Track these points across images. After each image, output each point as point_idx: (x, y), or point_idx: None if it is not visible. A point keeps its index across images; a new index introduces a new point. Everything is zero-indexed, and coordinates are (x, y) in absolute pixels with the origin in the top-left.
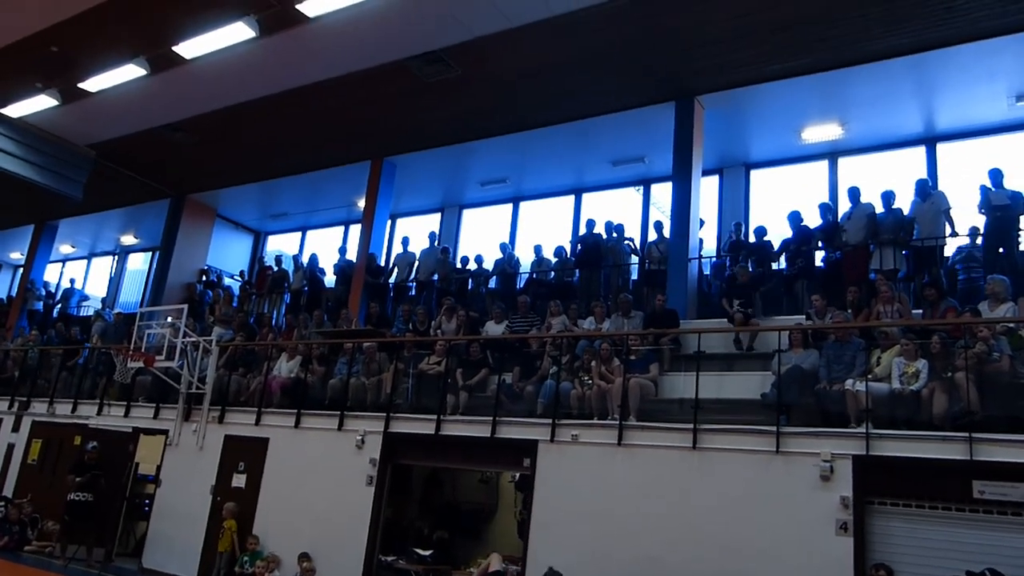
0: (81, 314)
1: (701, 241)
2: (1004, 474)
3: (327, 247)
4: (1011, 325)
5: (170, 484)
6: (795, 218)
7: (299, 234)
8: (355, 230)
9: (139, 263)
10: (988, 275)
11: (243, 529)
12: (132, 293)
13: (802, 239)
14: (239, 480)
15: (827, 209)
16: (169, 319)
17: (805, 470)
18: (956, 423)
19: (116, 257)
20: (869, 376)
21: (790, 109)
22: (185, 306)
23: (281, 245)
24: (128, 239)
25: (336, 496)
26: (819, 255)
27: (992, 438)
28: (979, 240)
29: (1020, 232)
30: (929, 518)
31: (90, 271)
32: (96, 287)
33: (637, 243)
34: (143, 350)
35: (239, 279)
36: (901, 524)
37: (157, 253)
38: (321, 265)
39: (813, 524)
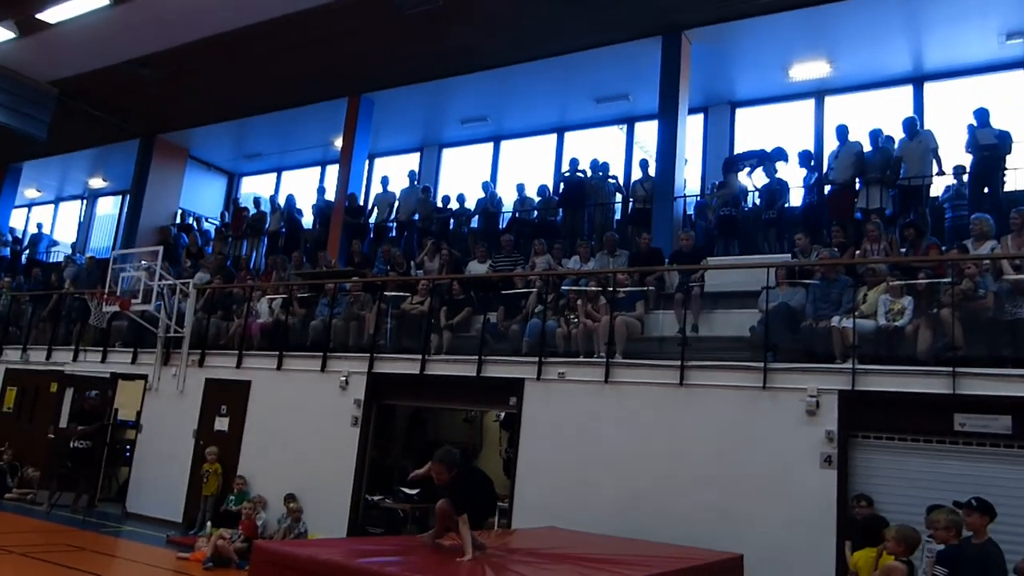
0: (51, 260)
1: (685, 181)
2: (985, 407)
3: (304, 188)
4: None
5: (151, 429)
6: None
7: (274, 175)
8: (332, 170)
9: (109, 207)
10: (973, 214)
11: (228, 471)
12: (103, 238)
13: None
14: (222, 423)
15: (807, 157)
16: (143, 263)
17: (791, 405)
18: (940, 358)
19: (85, 201)
20: (856, 313)
21: (778, 46)
22: (160, 248)
23: (256, 187)
24: (97, 182)
25: (321, 437)
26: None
27: (974, 372)
28: (965, 179)
29: (1006, 171)
30: (911, 450)
31: (58, 216)
32: (65, 233)
33: (621, 182)
34: (118, 294)
35: (214, 223)
36: (884, 456)
37: (127, 196)
38: (299, 206)
39: (798, 457)
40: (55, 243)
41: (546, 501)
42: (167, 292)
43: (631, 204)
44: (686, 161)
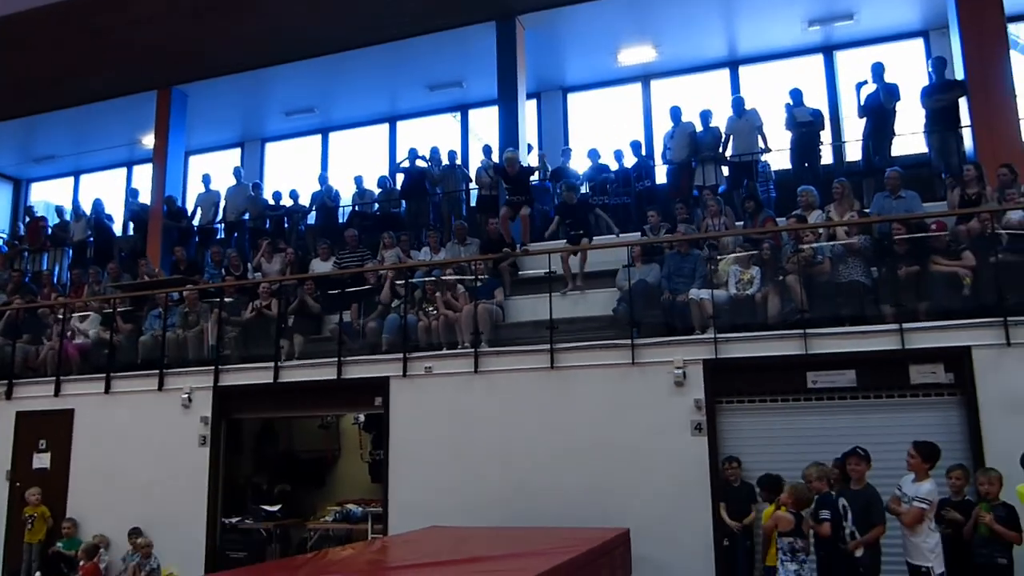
0: None
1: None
2: (832, 364)
3: (108, 192)
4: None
5: None
6: (593, 155)
7: (71, 179)
8: (141, 171)
9: None
10: (797, 187)
11: (55, 514)
12: None
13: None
14: (42, 460)
15: (638, 147)
16: None
17: (660, 378)
18: (789, 322)
19: None
20: (710, 284)
21: (606, 31)
22: None
23: (49, 193)
24: None
25: (165, 462)
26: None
27: (821, 332)
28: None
29: (821, 146)
30: (772, 410)
31: None
32: None
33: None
34: None
35: (2, 238)
36: (748, 419)
37: None
38: (107, 212)
39: (671, 428)
40: None
41: (425, 501)
42: None
43: (476, 191)
44: (530, 147)
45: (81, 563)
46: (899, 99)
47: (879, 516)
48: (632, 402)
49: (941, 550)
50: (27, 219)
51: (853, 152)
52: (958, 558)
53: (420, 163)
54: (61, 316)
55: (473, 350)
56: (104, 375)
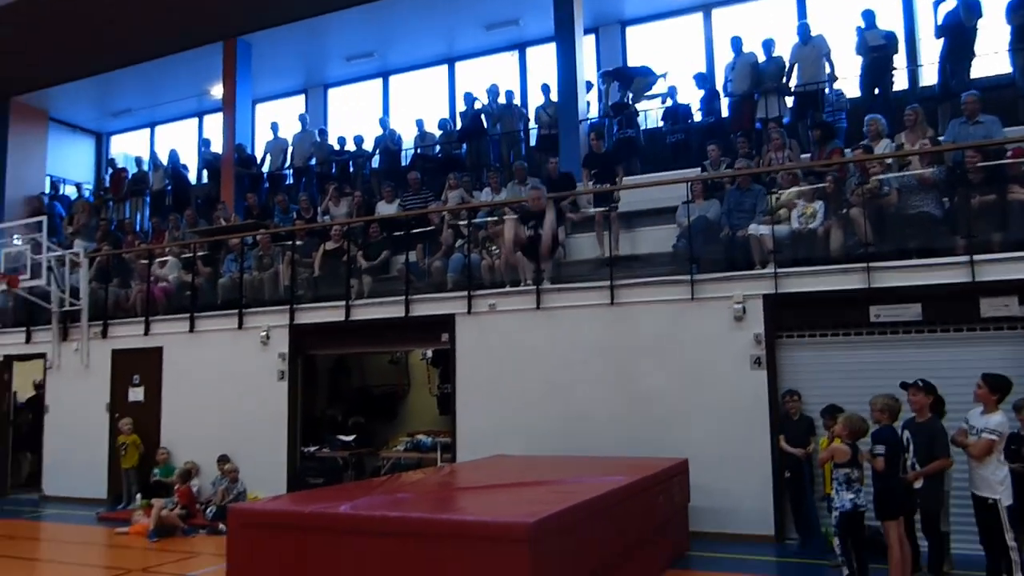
0: None
1: (588, 104)
2: (896, 298)
3: (182, 142)
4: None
5: (59, 408)
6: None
7: (147, 131)
8: (211, 120)
9: None
10: (866, 115)
11: (149, 442)
12: None
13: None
14: (136, 394)
15: (701, 79)
16: (17, 238)
17: (719, 313)
18: (852, 255)
19: None
20: (771, 219)
21: None
22: (44, 218)
23: (127, 145)
24: None
25: (247, 396)
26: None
27: (885, 266)
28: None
29: (894, 71)
30: (832, 344)
31: None
32: None
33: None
34: (2, 271)
35: (89, 189)
36: (808, 352)
37: None
38: (183, 161)
39: (730, 362)
40: None
41: (490, 431)
42: (55, 264)
43: (536, 131)
44: (589, 84)
45: (176, 486)
46: (981, 16)
47: (943, 450)
48: (691, 337)
49: (1010, 483)
50: (110, 171)
51: (930, 76)
52: None
53: (478, 106)
54: (146, 261)
55: (535, 287)
56: (188, 315)
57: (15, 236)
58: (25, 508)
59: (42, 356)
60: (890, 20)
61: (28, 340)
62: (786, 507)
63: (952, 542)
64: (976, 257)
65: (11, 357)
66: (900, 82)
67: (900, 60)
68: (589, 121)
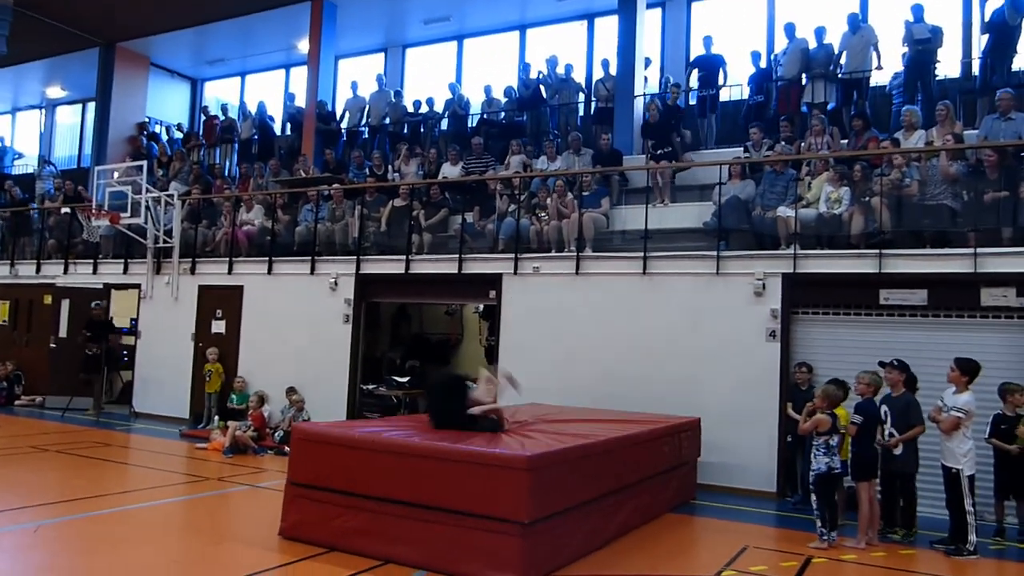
0: (16, 172)
1: (646, 79)
2: (905, 283)
3: (268, 92)
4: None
5: (150, 335)
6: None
7: (238, 80)
8: (296, 73)
9: (69, 117)
10: (905, 105)
11: (228, 371)
12: (66, 147)
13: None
14: (218, 326)
15: (758, 57)
16: (116, 175)
17: (741, 288)
18: (869, 241)
19: (43, 111)
20: (802, 203)
21: None
22: (144, 163)
23: (220, 92)
24: (55, 91)
25: (315, 335)
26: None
27: (897, 253)
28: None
29: (937, 64)
30: (843, 322)
31: (16, 127)
32: (24, 143)
33: (583, 80)
34: (106, 208)
35: (181, 131)
36: (820, 328)
37: (87, 105)
38: (270, 113)
39: (747, 333)
40: (20, 155)
41: (529, 382)
42: (152, 204)
43: (594, 103)
44: (648, 61)
45: (250, 411)
46: None
47: (917, 418)
48: (714, 307)
49: (974, 456)
50: (203, 118)
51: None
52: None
53: (537, 77)
54: (235, 206)
55: (575, 254)
56: (267, 259)
57: (114, 174)
58: (117, 421)
59: (137, 287)
60: (945, 15)
61: (125, 271)
62: (788, 468)
63: (919, 506)
64: (980, 250)
65: (110, 285)
66: (951, 72)
67: (948, 53)
68: (647, 95)
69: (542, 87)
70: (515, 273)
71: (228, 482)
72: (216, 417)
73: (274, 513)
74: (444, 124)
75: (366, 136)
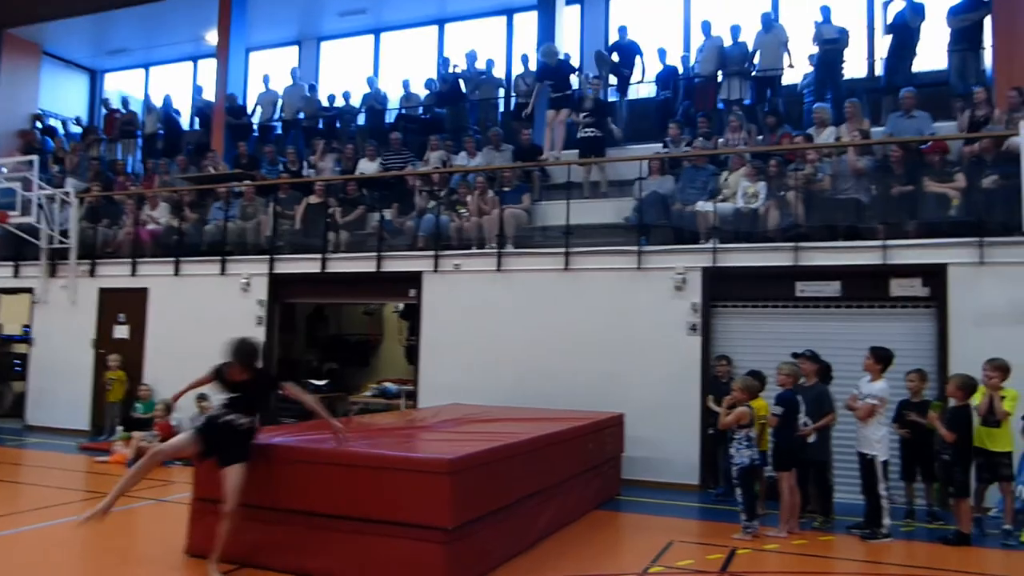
0: None
1: None
2: (820, 275)
3: (174, 85)
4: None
5: (45, 342)
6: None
7: (142, 72)
8: (204, 65)
9: None
10: (816, 103)
11: (132, 379)
12: None
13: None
14: (121, 332)
15: (664, 54)
16: (4, 171)
17: (662, 282)
18: (785, 234)
19: None
20: (719, 197)
21: None
22: (35, 157)
23: (121, 84)
24: None
25: (227, 338)
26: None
27: (812, 246)
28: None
29: (844, 64)
30: (761, 315)
31: None
32: None
33: (503, 75)
34: None
35: (79, 125)
36: (739, 321)
37: None
38: (176, 107)
39: (669, 327)
40: None
41: (451, 382)
42: (46, 202)
43: (514, 99)
44: (568, 57)
45: (157, 421)
46: (924, 18)
47: (828, 406)
48: (636, 303)
49: (887, 442)
50: (104, 111)
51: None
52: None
53: (454, 72)
54: (138, 204)
55: (497, 251)
56: (174, 259)
57: (2, 169)
58: (8, 436)
59: (29, 291)
60: (853, 16)
61: (16, 274)
62: (710, 460)
63: (836, 493)
64: (888, 242)
65: None
66: (858, 72)
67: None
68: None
69: (461, 82)
70: (436, 271)
71: (132, 497)
72: (119, 428)
73: (181, 529)
74: (361, 119)
75: (279, 131)
